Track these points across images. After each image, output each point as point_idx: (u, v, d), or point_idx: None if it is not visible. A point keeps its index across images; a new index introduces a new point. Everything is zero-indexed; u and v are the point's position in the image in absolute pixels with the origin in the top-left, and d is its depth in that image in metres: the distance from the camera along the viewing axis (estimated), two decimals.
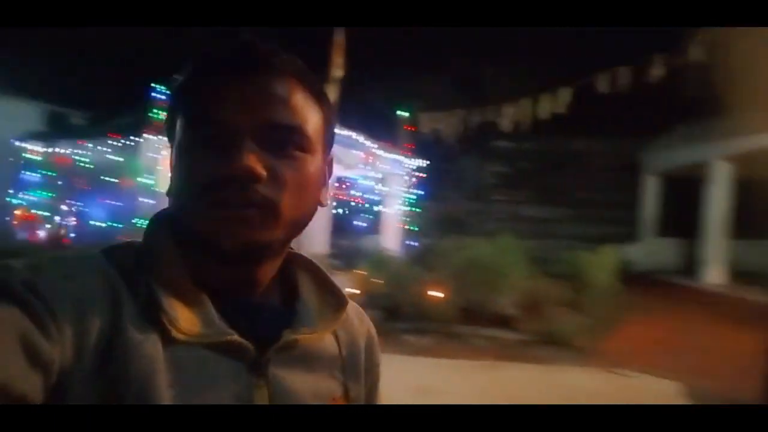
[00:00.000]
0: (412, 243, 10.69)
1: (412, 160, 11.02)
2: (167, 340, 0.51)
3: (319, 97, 0.60)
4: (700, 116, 10.76)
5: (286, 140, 0.55)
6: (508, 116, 10.76)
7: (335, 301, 0.65)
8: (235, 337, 0.53)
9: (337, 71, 9.29)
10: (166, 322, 0.51)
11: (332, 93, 9.47)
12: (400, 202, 10.98)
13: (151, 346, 0.50)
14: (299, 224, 0.58)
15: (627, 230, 13.61)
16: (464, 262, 5.78)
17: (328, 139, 0.62)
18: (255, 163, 0.52)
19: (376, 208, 10.89)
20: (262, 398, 0.54)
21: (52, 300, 0.47)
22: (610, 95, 9.31)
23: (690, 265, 11.92)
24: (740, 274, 10.72)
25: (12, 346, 0.43)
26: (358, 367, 0.66)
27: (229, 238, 0.53)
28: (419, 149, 11.09)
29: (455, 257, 5.90)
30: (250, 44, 0.56)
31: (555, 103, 10.19)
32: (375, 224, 11.13)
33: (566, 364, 4.84)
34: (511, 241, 6.39)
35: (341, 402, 0.62)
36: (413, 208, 11.10)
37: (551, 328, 5.45)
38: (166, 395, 0.49)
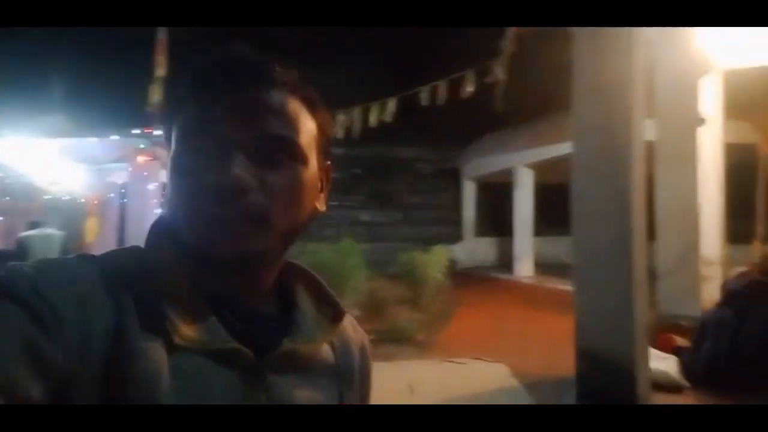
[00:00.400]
0: None
1: None
2: (169, 346, 0.51)
3: (312, 106, 0.61)
4: (506, 127, 12.12)
5: (278, 150, 0.56)
6: (340, 123, 11.07)
7: (333, 311, 0.65)
8: (235, 344, 0.54)
9: (159, 70, 8.78)
10: (169, 329, 0.51)
11: (155, 93, 8.90)
12: None
13: (155, 351, 0.50)
14: (294, 232, 0.59)
15: (451, 231, 14.81)
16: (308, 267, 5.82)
17: (323, 147, 0.63)
18: (245, 174, 0.53)
19: None
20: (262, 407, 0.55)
21: (57, 303, 0.47)
22: (431, 106, 10.12)
23: (504, 261, 13.37)
24: (545, 267, 12.32)
25: (15, 347, 0.43)
26: (352, 375, 0.67)
27: (223, 249, 0.53)
28: None
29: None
30: (241, 55, 0.56)
31: (383, 112, 10.76)
32: None
33: (408, 359, 5.14)
34: (350, 245, 6.59)
35: None
36: None
37: (392, 326, 5.73)
38: (169, 400, 0.49)
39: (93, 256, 0.56)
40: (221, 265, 0.55)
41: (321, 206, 0.63)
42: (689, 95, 5.13)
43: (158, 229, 0.60)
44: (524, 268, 12.41)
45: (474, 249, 14.77)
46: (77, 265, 0.53)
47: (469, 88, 9.62)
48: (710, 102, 5.66)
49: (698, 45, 5.06)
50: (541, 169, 12.20)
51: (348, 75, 12.11)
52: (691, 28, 4.98)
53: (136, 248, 0.59)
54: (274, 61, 0.58)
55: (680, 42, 4.95)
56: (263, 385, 0.55)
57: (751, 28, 5.06)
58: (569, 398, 3.13)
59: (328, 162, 0.65)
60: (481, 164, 14.22)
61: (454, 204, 15.31)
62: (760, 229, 7.70)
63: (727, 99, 5.99)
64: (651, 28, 3.45)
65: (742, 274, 3.99)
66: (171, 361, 0.51)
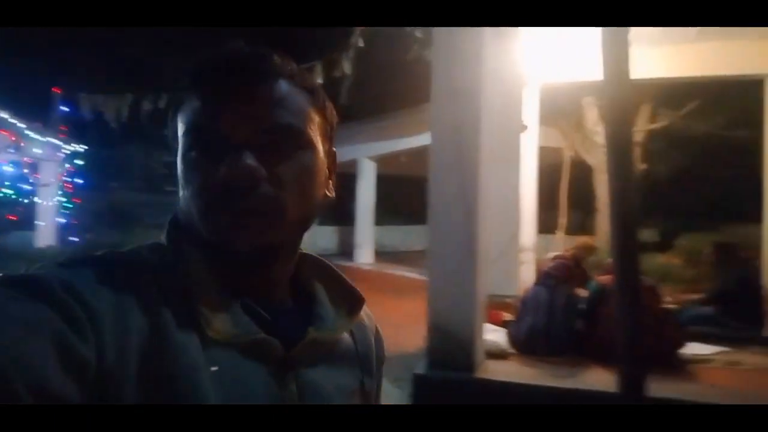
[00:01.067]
0: (73, 239, 9.49)
1: (70, 144, 9.76)
2: (204, 340, 0.52)
3: (314, 94, 0.61)
4: (351, 120, 12.54)
5: (284, 140, 0.56)
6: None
7: (352, 300, 0.66)
8: (264, 336, 0.55)
9: None
10: (203, 324, 0.52)
11: None
12: (56, 191, 9.61)
13: (192, 346, 0.51)
14: (308, 220, 0.60)
15: None
16: None
17: (327, 133, 0.63)
18: (255, 166, 0.53)
19: (26, 199, 9.25)
20: (291, 394, 0.56)
21: (89, 301, 0.47)
22: None
23: (346, 249, 13.85)
24: (383, 254, 13.04)
25: (47, 347, 0.42)
26: (370, 362, 0.69)
27: (242, 243, 0.54)
28: (78, 133, 9.88)
29: None
30: (243, 49, 0.57)
31: None
32: (26, 218, 9.43)
33: None
34: None
35: (358, 395, 0.65)
36: (71, 199, 9.85)
37: None
38: (207, 394, 0.49)
39: (121, 252, 0.56)
40: (241, 258, 0.55)
41: (330, 192, 0.64)
42: (515, 104, 5.88)
43: (177, 225, 0.59)
44: (365, 256, 13.00)
45: (315, 237, 15.03)
46: (109, 263, 0.53)
47: (317, 80, 9.83)
48: (529, 110, 6.54)
49: (520, 60, 5.82)
50: (383, 161, 12.84)
51: (190, 58, 11.49)
52: (515, 45, 5.71)
53: (159, 244, 0.59)
54: (274, 53, 0.58)
55: (508, 55, 5.65)
56: (292, 375, 0.57)
57: (562, 48, 5.99)
58: (420, 369, 3.51)
59: (333, 148, 0.66)
60: None
61: None
62: (562, 221, 9.06)
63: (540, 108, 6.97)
64: (487, 41, 3.89)
65: (554, 259, 4.74)
66: (208, 355, 0.51)
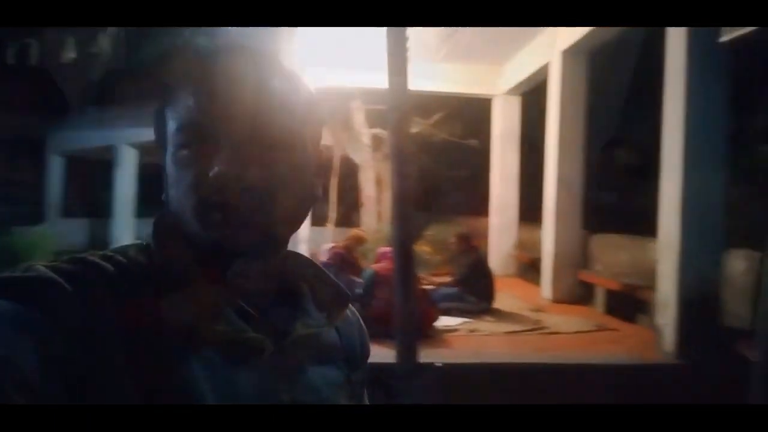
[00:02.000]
0: None
1: None
2: (196, 340, 0.52)
3: (305, 93, 0.61)
4: (109, 103, 11.43)
5: (282, 139, 0.56)
6: None
7: (338, 296, 0.67)
8: (254, 334, 0.56)
9: None
10: (195, 323, 0.52)
11: None
12: None
13: (185, 346, 0.51)
14: (297, 218, 0.60)
15: (29, 211, 12.90)
16: None
17: (316, 133, 0.63)
18: (248, 164, 0.53)
19: None
20: (283, 389, 0.57)
21: (77, 302, 0.47)
22: (15, 67, 8.69)
23: (99, 243, 12.54)
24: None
25: (34, 347, 0.43)
26: (356, 355, 0.70)
27: (236, 240, 0.54)
28: None
29: None
30: (243, 47, 0.58)
31: None
32: None
33: None
34: None
35: (346, 388, 0.66)
36: None
37: None
38: (204, 393, 0.50)
39: (108, 253, 0.56)
40: (233, 256, 0.55)
41: (317, 192, 0.64)
42: None
43: (163, 224, 0.59)
44: None
45: (61, 231, 13.27)
46: (97, 264, 0.53)
47: (71, 54, 8.74)
48: None
49: (302, 62, 6.17)
50: (147, 149, 11.97)
51: None
52: (299, 48, 6.03)
53: (145, 245, 0.59)
54: (263, 52, 0.58)
55: (294, 57, 5.95)
56: (283, 370, 0.58)
57: (336, 54, 6.51)
58: None
59: (320, 148, 0.65)
60: (73, 138, 12.88)
61: (35, 180, 13.38)
62: (332, 214, 9.72)
63: None
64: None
65: (331, 249, 5.20)
66: (195, 355, 0.51)
